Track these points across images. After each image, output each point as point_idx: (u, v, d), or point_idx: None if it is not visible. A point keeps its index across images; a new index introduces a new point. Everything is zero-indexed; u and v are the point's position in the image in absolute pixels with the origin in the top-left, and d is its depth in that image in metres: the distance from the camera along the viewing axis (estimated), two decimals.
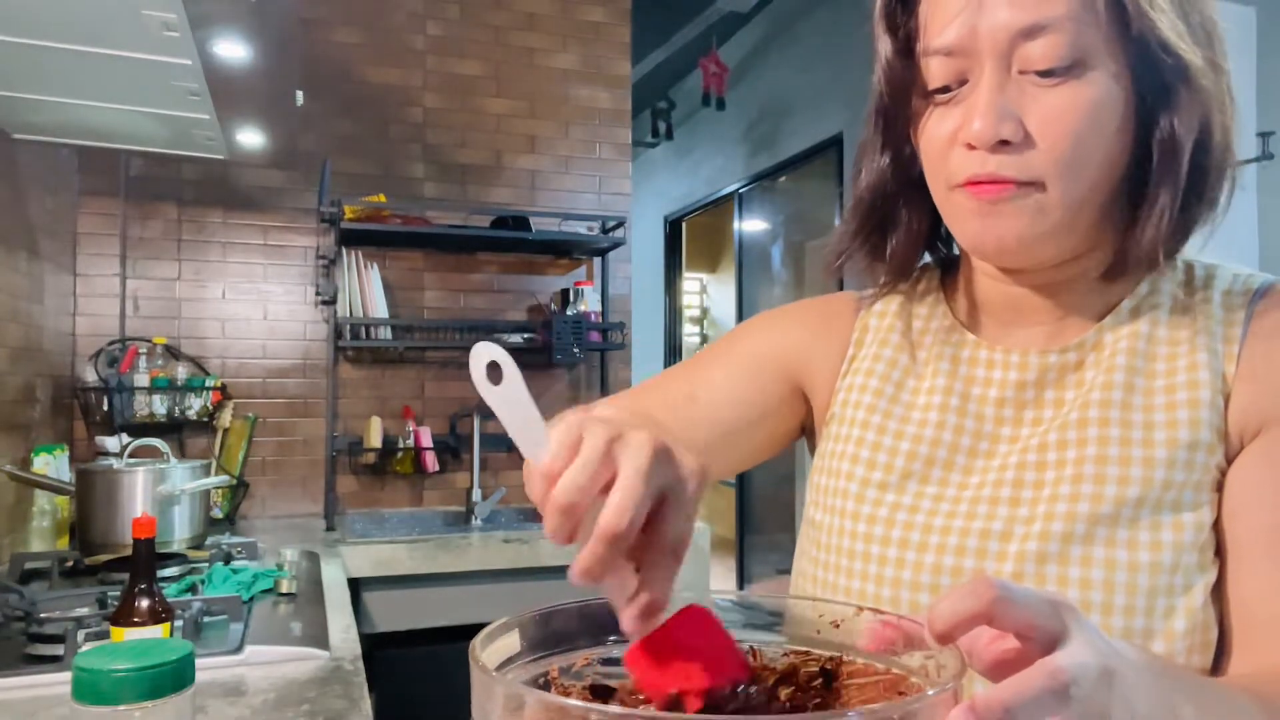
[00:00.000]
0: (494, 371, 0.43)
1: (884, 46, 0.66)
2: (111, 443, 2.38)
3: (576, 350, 2.83)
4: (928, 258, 0.78)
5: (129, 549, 1.31)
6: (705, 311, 7.75)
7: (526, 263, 3.02)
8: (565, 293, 3.00)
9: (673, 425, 0.70)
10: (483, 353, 0.43)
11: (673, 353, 6.34)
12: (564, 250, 3.02)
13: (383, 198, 2.74)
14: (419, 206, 2.84)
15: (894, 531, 0.67)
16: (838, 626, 0.48)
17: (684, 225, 6.37)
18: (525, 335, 2.87)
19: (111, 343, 2.55)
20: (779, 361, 0.79)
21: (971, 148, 0.60)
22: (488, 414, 2.77)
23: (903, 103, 0.67)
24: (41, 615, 1.35)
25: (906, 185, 0.71)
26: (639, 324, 3.40)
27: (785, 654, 0.48)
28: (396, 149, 2.87)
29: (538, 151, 3.04)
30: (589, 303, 2.94)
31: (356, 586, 2.15)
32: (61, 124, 1.89)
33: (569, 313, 2.90)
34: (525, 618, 0.47)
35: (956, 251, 0.77)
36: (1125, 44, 0.59)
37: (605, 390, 3.05)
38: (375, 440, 2.74)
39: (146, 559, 1.06)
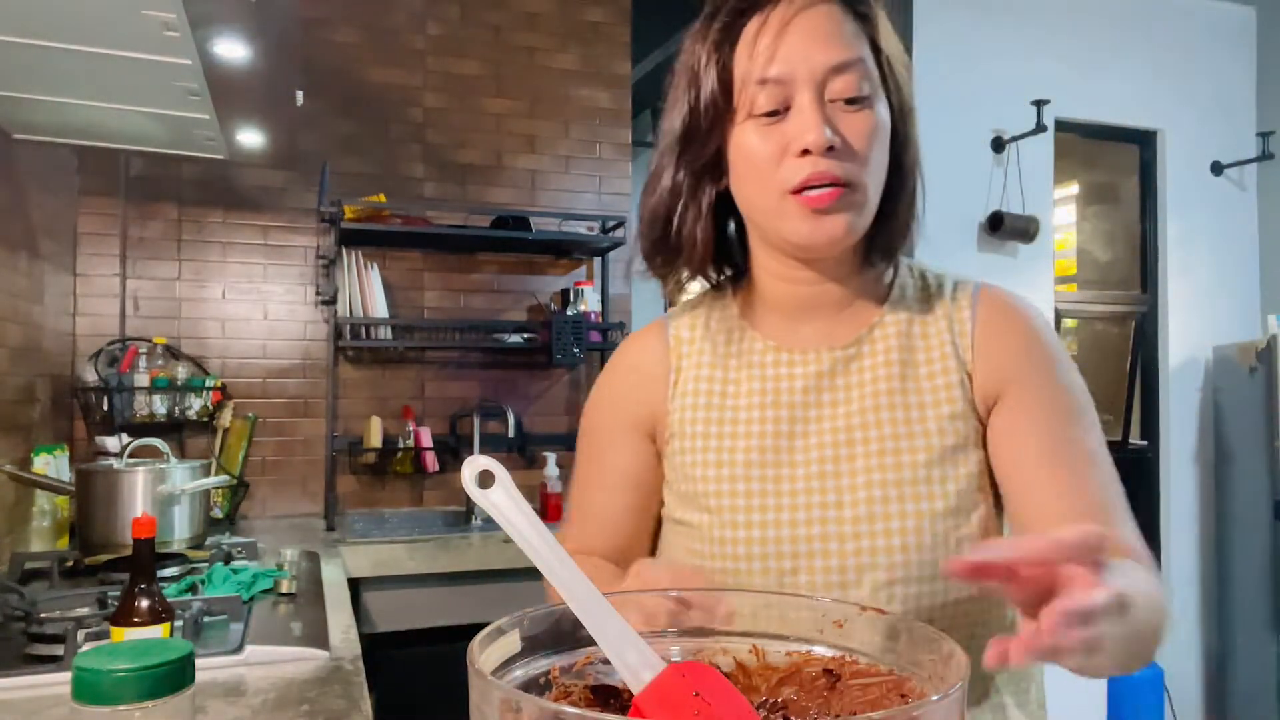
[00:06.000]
0: (486, 478, 0.46)
1: (709, 77, 0.80)
2: (111, 443, 2.38)
3: (576, 350, 2.83)
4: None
5: (129, 549, 1.31)
6: None
7: (526, 263, 3.02)
8: (565, 293, 2.99)
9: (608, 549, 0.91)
10: (473, 465, 0.46)
11: None
12: (564, 250, 3.01)
13: (383, 198, 2.74)
14: (419, 206, 2.84)
15: (754, 515, 0.82)
16: (840, 626, 0.47)
17: None
18: (525, 335, 2.87)
19: (111, 343, 2.55)
20: (636, 446, 0.92)
21: (806, 153, 0.75)
22: (487, 413, 2.77)
23: (716, 125, 0.81)
24: (41, 615, 1.35)
25: (696, 199, 0.85)
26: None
27: (788, 654, 0.48)
28: (396, 149, 2.87)
29: (538, 151, 3.04)
30: (589, 303, 2.93)
31: (356, 586, 2.15)
32: (61, 124, 1.89)
33: (569, 313, 2.90)
34: (524, 618, 0.47)
35: (740, 260, 0.91)
36: (887, 87, 0.80)
37: None
38: (375, 440, 2.74)
39: (146, 559, 1.06)
